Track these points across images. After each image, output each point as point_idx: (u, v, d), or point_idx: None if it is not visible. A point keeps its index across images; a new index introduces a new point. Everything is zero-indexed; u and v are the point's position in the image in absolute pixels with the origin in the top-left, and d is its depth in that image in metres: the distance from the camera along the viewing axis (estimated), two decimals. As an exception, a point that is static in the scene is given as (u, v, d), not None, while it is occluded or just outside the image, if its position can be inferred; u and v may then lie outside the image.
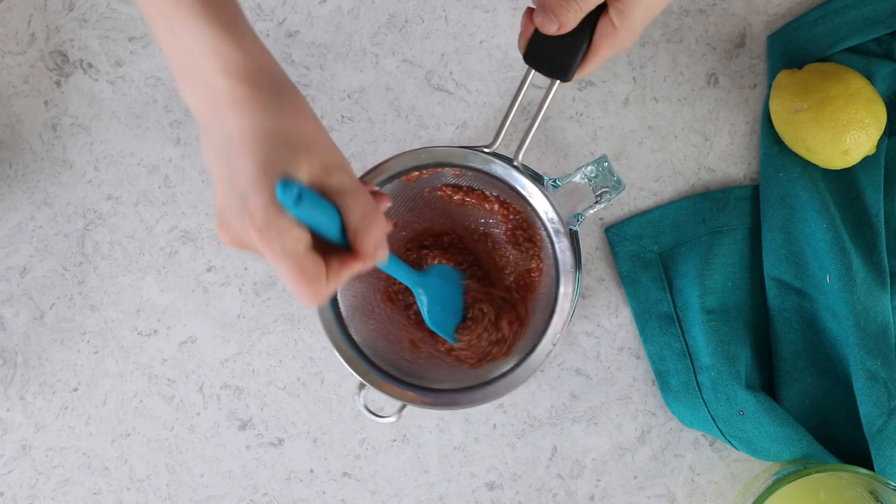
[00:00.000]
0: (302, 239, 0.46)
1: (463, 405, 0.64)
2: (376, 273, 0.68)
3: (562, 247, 0.63)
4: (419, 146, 0.74)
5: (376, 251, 0.49)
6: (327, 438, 0.74)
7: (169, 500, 0.74)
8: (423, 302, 0.65)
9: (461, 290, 0.67)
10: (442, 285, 0.66)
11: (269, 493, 0.74)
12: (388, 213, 0.68)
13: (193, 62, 0.48)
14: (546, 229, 0.63)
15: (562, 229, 0.62)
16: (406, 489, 0.74)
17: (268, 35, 0.74)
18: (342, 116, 0.74)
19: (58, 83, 0.74)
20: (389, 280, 0.69)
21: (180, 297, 0.74)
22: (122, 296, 0.74)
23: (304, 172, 0.47)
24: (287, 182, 0.45)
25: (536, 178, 0.67)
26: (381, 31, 0.74)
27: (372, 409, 0.66)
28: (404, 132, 0.74)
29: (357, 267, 0.49)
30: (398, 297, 0.69)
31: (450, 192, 0.67)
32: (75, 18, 0.74)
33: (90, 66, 0.74)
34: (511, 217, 0.67)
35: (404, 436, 0.74)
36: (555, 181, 0.66)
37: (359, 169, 0.74)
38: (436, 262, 0.68)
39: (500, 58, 0.74)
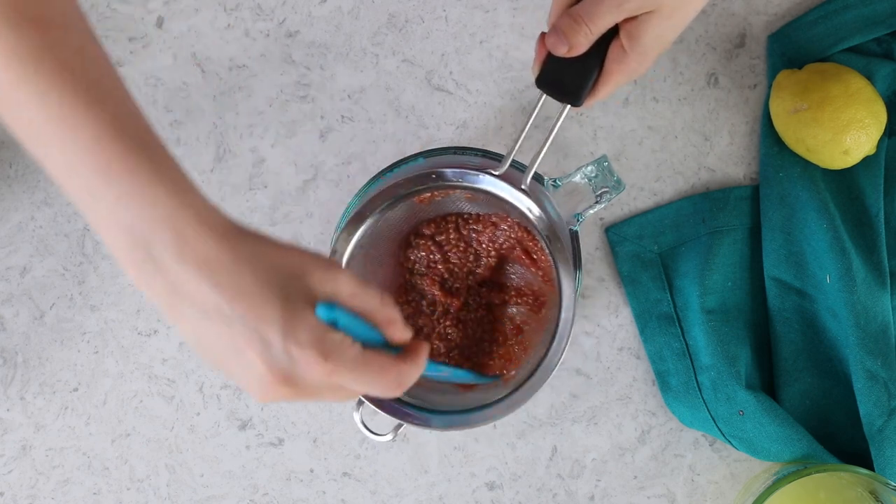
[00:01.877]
0: (356, 344, 0.45)
1: (462, 426, 0.63)
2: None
3: (565, 271, 0.62)
4: (419, 147, 0.74)
5: (406, 336, 0.49)
6: (327, 438, 0.74)
7: (169, 500, 0.74)
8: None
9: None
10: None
11: (269, 493, 0.74)
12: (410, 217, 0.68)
13: (152, 238, 0.42)
14: (551, 253, 0.62)
15: (569, 257, 0.62)
16: (406, 489, 0.74)
17: (268, 35, 0.74)
18: (342, 116, 0.74)
19: (58, 83, 0.74)
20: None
21: (180, 297, 0.74)
22: (122, 296, 0.74)
23: (323, 293, 0.45)
24: (323, 303, 0.44)
25: (536, 179, 0.67)
26: (381, 31, 0.74)
27: (370, 426, 0.65)
28: (404, 132, 0.74)
29: (415, 361, 0.49)
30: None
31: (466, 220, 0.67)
32: (75, 18, 0.74)
33: (90, 66, 0.74)
34: (522, 241, 0.67)
35: (404, 436, 0.74)
36: (555, 181, 0.66)
37: (359, 169, 0.74)
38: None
39: (501, 58, 0.74)
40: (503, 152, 0.65)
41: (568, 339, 0.62)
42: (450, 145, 0.72)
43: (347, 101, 0.74)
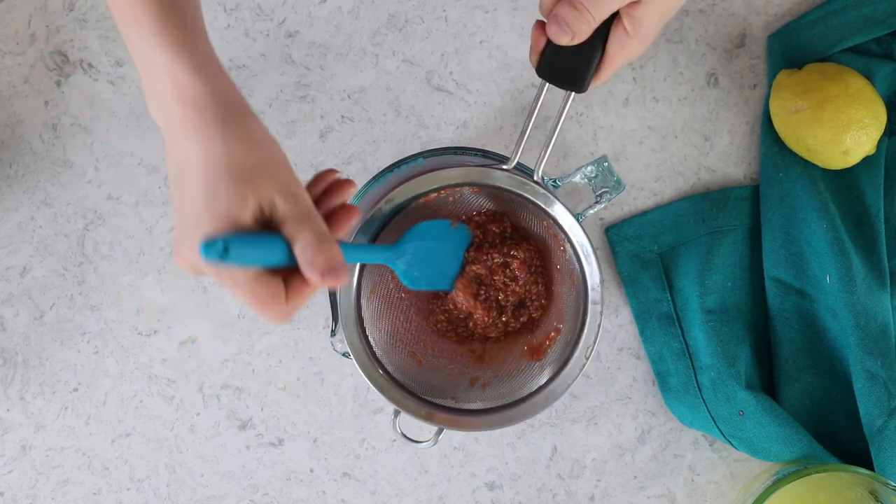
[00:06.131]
0: (249, 268, 0.47)
1: (500, 425, 0.64)
2: (409, 300, 0.68)
3: (587, 259, 0.62)
4: (419, 147, 0.74)
5: (324, 277, 0.48)
6: (327, 438, 0.74)
7: (169, 500, 0.74)
8: (400, 271, 0.62)
9: (456, 241, 0.66)
10: (423, 246, 0.64)
11: (269, 493, 0.74)
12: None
13: (155, 83, 0.48)
14: (570, 242, 0.63)
15: (585, 241, 0.62)
16: (406, 489, 0.74)
17: (268, 35, 0.74)
18: (342, 116, 0.74)
19: (58, 83, 0.74)
20: (427, 304, 0.69)
21: (180, 297, 0.74)
22: (122, 296, 0.74)
23: (249, 207, 0.47)
24: (209, 242, 0.45)
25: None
26: (381, 31, 0.74)
27: (408, 434, 0.66)
28: (404, 132, 0.74)
29: (313, 289, 0.49)
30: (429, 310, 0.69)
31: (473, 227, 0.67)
32: (75, 18, 0.74)
33: (90, 66, 0.74)
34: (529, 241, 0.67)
35: (403, 436, 0.74)
36: (555, 181, 0.66)
37: (358, 169, 0.74)
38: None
39: (500, 58, 0.74)
40: (503, 152, 0.65)
41: (599, 327, 0.63)
42: (450, 145, 0.72)
43: (347, 101, 0.74)
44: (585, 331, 0.63)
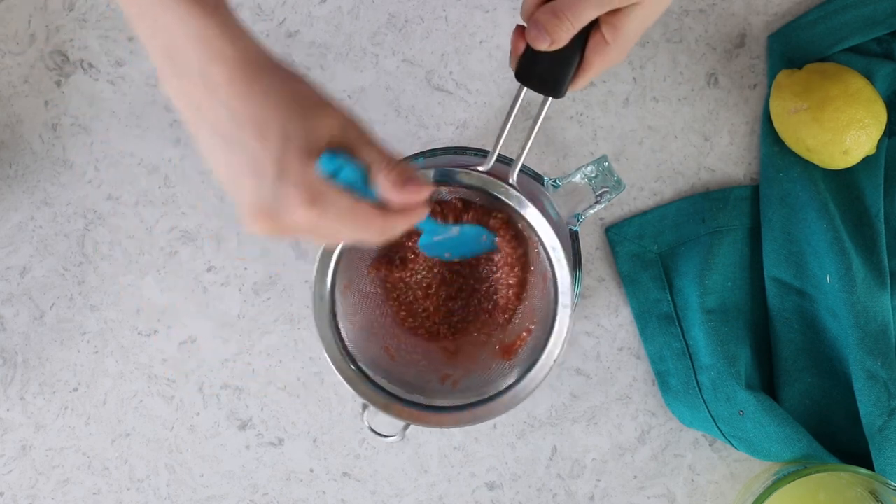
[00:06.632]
0: (350, 194, 0.48)
1: (468, 422, 0.63)
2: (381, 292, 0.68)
3: (559, 262, 0.61)
4: (419, 147, 0.74)
5: (403, 189, 0.49)
6: (327, 438, 0.74)
7: (169, 500, 0.74)
8: (430, 234, 0.64)
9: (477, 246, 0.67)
10: (460, 241, 0.65)
11: (269, 493, 0.74)
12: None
13: (180, 53, 0.48)
14: (543, 245, 0.62)
15: (557, 246, 0.61)
16: (406, 489, 0.74)
17: (268, 35, 0.74)
18: (342, 116, 0.74)
19: (58, 83, 0.74)
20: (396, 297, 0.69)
21: (180, 297, 0.74)
22: (122, 296, 0.74)
23: (324, 138, 0.48)
24: (329, 153, 0.47)
25: (536, 178, 0.66)
26: (381, 31, 0.74)
27: (376, 429, 0.65)
28: (404, 132, 0.74)
29: (405, 217, 0.50)
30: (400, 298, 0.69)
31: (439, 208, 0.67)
32: (75, 18, 0.74)
33: (90, 66, 0.74)
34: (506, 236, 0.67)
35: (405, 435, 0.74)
36: (555, 181, 0.66)
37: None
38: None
39: (501, 58, 0.74)
40: (503, 152, 0.65)
41: (569, 330, 0.62)
42: (450, 145, 0.72)
43: (347, 101, 0.74)
44: (553, 335, 0.62)
